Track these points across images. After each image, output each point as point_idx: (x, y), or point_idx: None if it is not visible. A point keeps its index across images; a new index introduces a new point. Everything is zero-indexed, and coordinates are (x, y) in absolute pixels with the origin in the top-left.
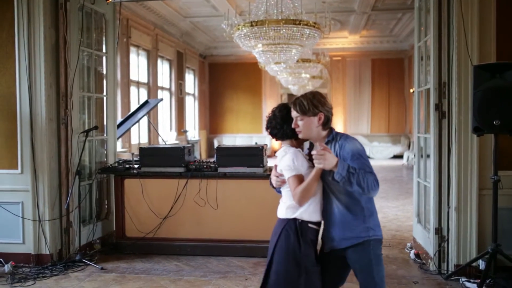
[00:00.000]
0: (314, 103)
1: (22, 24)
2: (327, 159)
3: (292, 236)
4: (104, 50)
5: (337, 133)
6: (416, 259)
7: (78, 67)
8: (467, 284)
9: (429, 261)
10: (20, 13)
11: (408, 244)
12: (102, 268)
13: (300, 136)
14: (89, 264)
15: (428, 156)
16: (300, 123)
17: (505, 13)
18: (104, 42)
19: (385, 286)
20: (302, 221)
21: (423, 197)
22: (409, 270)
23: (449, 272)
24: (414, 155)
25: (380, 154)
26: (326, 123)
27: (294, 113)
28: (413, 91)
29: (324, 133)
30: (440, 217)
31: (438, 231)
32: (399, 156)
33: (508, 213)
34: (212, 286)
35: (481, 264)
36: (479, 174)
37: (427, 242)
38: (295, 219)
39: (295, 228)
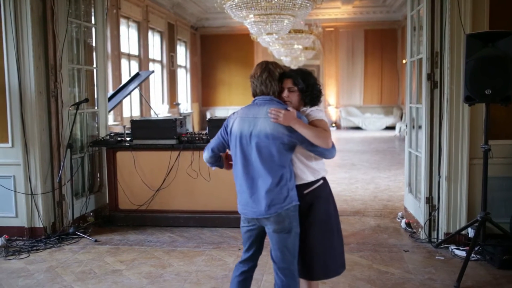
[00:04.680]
0: None
1: None
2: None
3: None
4: (93, 22)
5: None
6: (407, 228)
7: (67, 39)
8: (457, 251)
9: (420, 229)
10: None
11: (399, 214)
12: (96, 240)
13: None
14: (83, 237)
15: (420, 126)
16: None
17: None
18: (93, 13)
19: None
20: None
21: (414, 167)
22: (400, 239)
23: (439, 240)
24: (406, 126)
25: (372, 125)
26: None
27: None
28: (406, 62)
29: None
30: (431, 187)
31: (429, 200)
32: (391, 127)
33: (498, 182)
34: (205, 257)
35: (470, 232)
36: (470, 144)
37: (418, 211)
38: None
39: None
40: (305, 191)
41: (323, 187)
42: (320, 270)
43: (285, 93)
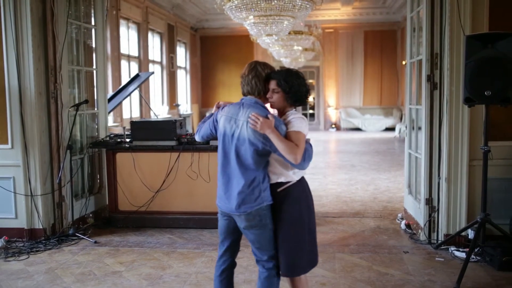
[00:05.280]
0: None
1: None
2: None
3: None
4: (93, 23)
5: None
6: (407, 229)
7: (67, 40)
8: (456, 253)
9: (420, 231)
10: None
11: (399, 215)
12: (95, 242)
13: None
14: (83, 238)
15: (420, 128)
16: None
17: None
18: (92, 15)
19: None
20: None
21: (414, 168)
22: (399, 240)
23: (439, 242)
24: (406, 127)
25: (372, 126)
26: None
27: None
28: (405, 63)
29: None
30: (431, 188)
31: (429, 201)
32: (391, 129)
33: (498, 183)
34: (205, 258)
35: (470, 234)
36: (469, 145)
37: (418, 212)
38: None
39: None
40: (278, 190)
41: (296, 186)
42: (287, 266)
43: (269, 94)
